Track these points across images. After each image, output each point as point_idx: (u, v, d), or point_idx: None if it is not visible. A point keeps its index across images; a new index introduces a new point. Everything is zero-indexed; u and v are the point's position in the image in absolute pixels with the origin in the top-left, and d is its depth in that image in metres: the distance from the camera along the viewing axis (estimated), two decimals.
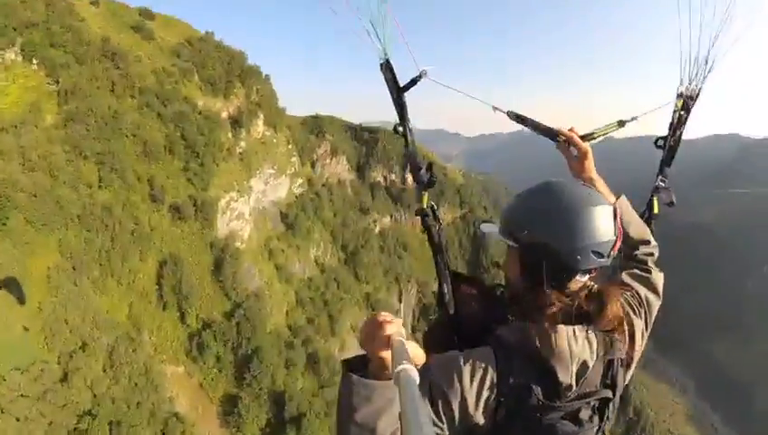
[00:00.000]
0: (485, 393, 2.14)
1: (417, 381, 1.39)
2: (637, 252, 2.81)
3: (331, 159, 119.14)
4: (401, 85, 2.91)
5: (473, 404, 2.12)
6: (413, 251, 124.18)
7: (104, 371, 48.03)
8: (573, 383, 2.20)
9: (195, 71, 76.41)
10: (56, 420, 43.52)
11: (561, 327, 2.18)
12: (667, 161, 3.42)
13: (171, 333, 57.40)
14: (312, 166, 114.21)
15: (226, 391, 57.36)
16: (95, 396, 46.17)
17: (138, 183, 61.06)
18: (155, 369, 52.80)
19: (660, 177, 3.39)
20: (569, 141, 2.89)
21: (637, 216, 2.95)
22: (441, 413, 2.09)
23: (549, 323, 2.19)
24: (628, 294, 2.60)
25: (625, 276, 2.71)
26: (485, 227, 2.65)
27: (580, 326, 2.24)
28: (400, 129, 2.96)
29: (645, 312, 2.63)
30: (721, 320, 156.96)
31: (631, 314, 2.53)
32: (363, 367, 1.86)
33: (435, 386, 2.10)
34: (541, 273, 2.27)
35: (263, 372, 56.70)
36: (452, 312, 2.75)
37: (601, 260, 2.23)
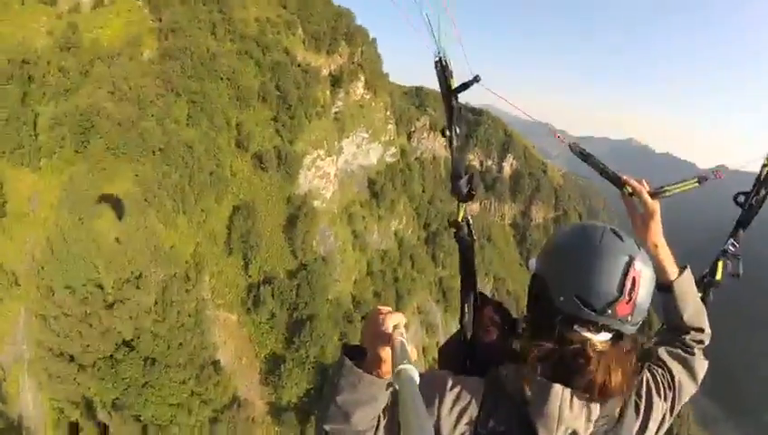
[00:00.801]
0: (462, 428, 1.98)
1: (418, 381, 1.32)
2: (687, 337, 2.40)
3: (429, 133, 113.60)
4: (453, 87, 2.63)
5: (447, 432, 1.98)
6: (496, 244, 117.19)
7: (155, 304, 46.32)
8: None
9: (299, 24, 72.88)
10: (93, 344, 42.53)
11: (557, 387, 1.93)
12: (743, 223, 2.96)
13: (232, 279, 55.05)
14: (409, 138, 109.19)
15: (273, 350, 54.41)
16: (136, 329, 44.50)
17: (226, 126, 58.92)
18: (206, 313, 50.85)
19: (732, 240, 2.92)
20: (636, 194, 2.46)
21: (697, 297, 2.48)
22: None
23: (541, 378, 1.95)
24: (660, 372, 2.26)
25: (662, 352, 2.34)
26: (533, 263, 2.31)
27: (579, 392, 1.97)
28: (447, 133, 2.63)
29: (674, 396, 2.28)
30: (739, 317, 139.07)
31: (654, 395, 2.20)
32: (361, 356, 1.78)
33: None
34: (534, 308, 2.11)
35: (312, 340, 52.74)
36: (470, 334, 2.59)
37: (591, 314, 1.91)
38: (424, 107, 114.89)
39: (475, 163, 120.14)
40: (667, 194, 2.54)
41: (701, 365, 2.38)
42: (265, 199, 59.13)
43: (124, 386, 43.26)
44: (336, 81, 78.14)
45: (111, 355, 43.30)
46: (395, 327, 1.71)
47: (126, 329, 44.00)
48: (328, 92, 75.80)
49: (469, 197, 2.61)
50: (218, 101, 58.00)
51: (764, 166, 2.94)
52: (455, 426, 1.98)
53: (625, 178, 2.50)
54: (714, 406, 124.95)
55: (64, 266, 42.31)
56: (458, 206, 2.66)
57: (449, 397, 2.01)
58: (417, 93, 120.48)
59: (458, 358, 2.53)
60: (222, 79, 59.65)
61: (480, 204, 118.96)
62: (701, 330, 2.43)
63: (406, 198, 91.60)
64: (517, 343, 2.19)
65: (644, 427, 2.15)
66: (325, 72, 77.22)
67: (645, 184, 2.48)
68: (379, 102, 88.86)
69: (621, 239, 1.97)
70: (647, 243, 2.38)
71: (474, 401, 2.01)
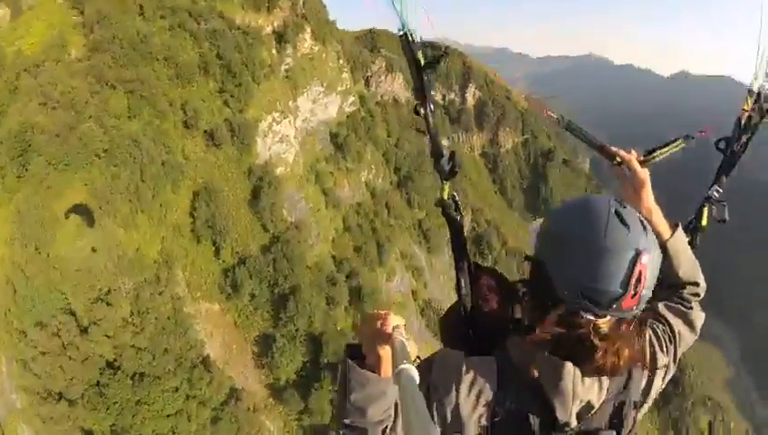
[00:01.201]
0: (480, 409, 2.05)
1: (418, 381, 1.38)
2: (684, 291, 2.50)
3: (387, 76, 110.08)
4: (423, 62, 2.53)
5: (466, 416, 2.04)
6: (469, 176, 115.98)
7: (130, 316, 44.72)
8: (573, 422, 2.06)
9: None
10: (77, 375, 41.03)
11: (569, 365, 2.00)
12: (725, 169, 2.99)
13: (205, 268, 52.91)
14: (367, 83, 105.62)
15: (262, 331, 53.12)
16: (116, 347, 43.07)
17: (170, 109, 55.20)
18: (184, 311, 49.06)
19: (716, 186, 2.97)
20: (625, 164, 2.50)
21: (690, 253, 2.55)
22: (434, 414, 2.04)
23: (552, 357, 2.02)
24: (660, 328, 2.38)
25: (661, 307, 2.44)
26: (533, 227, 2.26)
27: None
28: (421, 110, 2.54)
29: (675, 348, 2.41)
30: None
31: (658, 351, 2.33)
32: (364, 355, 1.86)
33: (433, 387, 2.05)
34: (536, 290, 2.12)
35: (299, 312, 51.50)
36: (469, 306, 2.60)
37: (593, 308, 1.90)
38: (377, 49, 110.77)
39: (438, 98, 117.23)
40: (657, 159, 2.56)
41: (699, 317, 2.46)
42: (225, 177, 56.37)
43: (117, 410, 42.07)
44: (280, 37, 74.02)
45: (97, 382, 41.90)
46: (394, 328, 1.72)
47: (106, 350, 42.58)
48: (274, 51, 72.02)
49: (452, 174, 2.54)
50: (158, 85, 54.38)
51: (744, 111, 2.95)
52: (474, 408, 2.01)
53: (614, 149, 2.51)
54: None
55: (30, 303, 40.37)
56: (442, 184, 2.59)
57: (466, 380, 2.03)
58: (370, 36, 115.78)
59: (460, 329, 2.55)
60: (158, 60, 55.76)
61: (447, 139, 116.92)
62: (696, 284, 2.49)
63: (372, 146, 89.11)
64: (519, 309, 2.35)
65: (650, 382, 2.25)
66: (268, 29, 72.99)
67: (634, 153, 2.51)
68: (329, 52, 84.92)
69: (627, 227, 1.87)
70: (640, 209, 2.30)
71: (489, 381, 2.04)
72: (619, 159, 2.50)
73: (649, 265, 1.86)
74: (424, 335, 78.21)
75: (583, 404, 2.05)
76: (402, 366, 1.41)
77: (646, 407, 2.31)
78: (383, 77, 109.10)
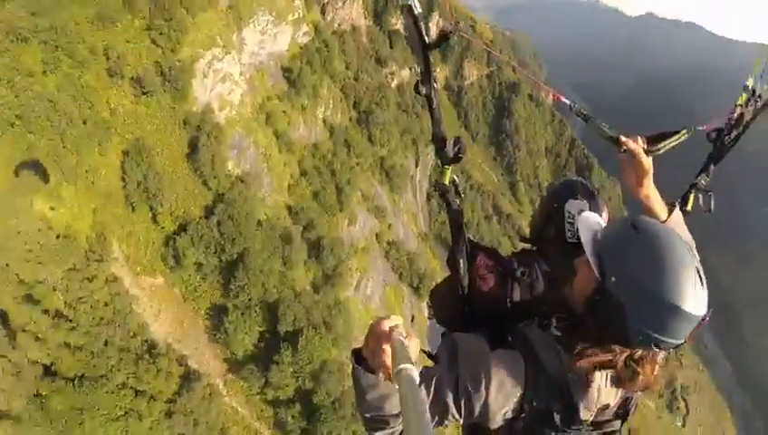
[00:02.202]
0: (508, 405, 2.11)
1: (418, 381, 1.38)
2: None
3: (344, 1, 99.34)
4: (428, 41, 2.41)
5: (494, 411, 2.09)
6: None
7: (64, 307, 38.30)
8: (591, 418, 2.18)
9: None
10: (14, 390, 34.77)
11: (597, 375, 2.11)
12: (715, 158, 3.01)
13: (144, 238, 45.17)
14: (323, 12, 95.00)
15: (213, 302, 46.34)
16: (49, 350, 36.76)
17: (91, 57, 45.46)
18: (125, 291, 42.26)
19: (703, 174, 3.01)
20: (632, 154, 2.48)
21: (687, 233, 2.60)
22: (462, 408, 2.07)
23: (587, 369, 2.09)
24: None
25: None
26: (573, 206, 2.53)
27: (612, 373, 2.16)
28: (423, 90, 2.45)
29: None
30: (728, 236, 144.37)
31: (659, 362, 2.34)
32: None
33: (462, 383, 2.05)
34: (603, 320, 2.06)
35: (250, 281, 44.86)
36: (466, 285, 2.59)
37: (656, 350, 2.03)
38: None
39: (398, 27, 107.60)
40: (661, 151, 2.50)
41: None
42: (157, 130, 47.65)
43: (61, 421, 35.89)
44: None
45: (36, 393, 35.71)
46: (393, 327, 1.72)
47: (40, 355, 36.21)
48: None
49: (456, 160, 2.45)
50: (76, 30, 44.85)
51: (737, 105, 2.90)
52: (502, 405, 2.05)
53: (622, 138, 2.46)
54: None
55: None
56: (443, 168, 2.53)
57: (496, 379, 2.04)
58: None
59: (455, 306, 2.56)
60: (76, 1, 45.82)
61: (410, 70, 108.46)
62: None
63: (329, 80, 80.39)
64: (519, 289, 2.44)
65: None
66: None
67: (640, 142, 2.47)
68: None
69: (704, 286, 1.93)
70: (640, 195, 2.47)
71: (518, 380, 2.06)
72: (625, 148, 2.42)
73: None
74: (390, 278, 73.54)
75: (603, 405, 2.13)
76: (401, 366, 1.39)
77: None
78: (341, 3, 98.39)
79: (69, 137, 41.85)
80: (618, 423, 2.29)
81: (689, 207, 2.96)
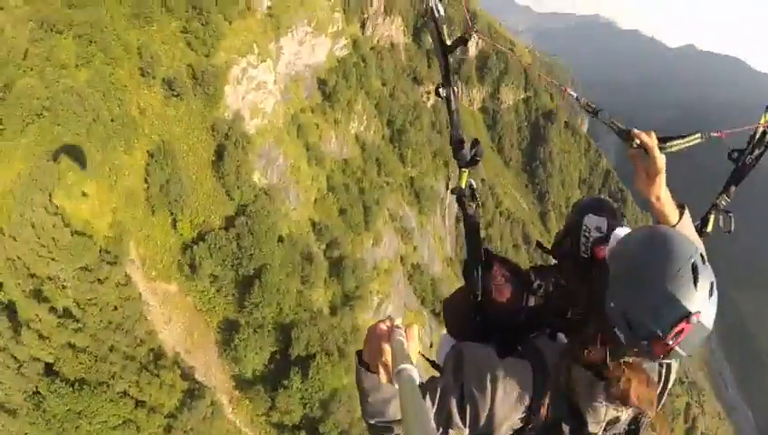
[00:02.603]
0: (516, 415, 2.06)
1: (418, 381, 1.34)
2: None
3: (385, 18, 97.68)
4: (448, 43, 2.47)
5: (500, 420, 2.04)
6: (467, 129, 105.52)
7: (74, 305, 36.63)
8: (600, 432, 2.13)
9: None
10: (14, 384, 33.19)
11: (603, 384, 2.05)
12: (736, 179, 2.96)
13: (162, 243, 43.15)
14: (362, 26, 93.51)
15: (226, 316, 43.87)
16: (53, 349, 34.86)
17: (125, 55, 44.24)
18: (137, 294, 40.29)
19: (724, 195, 2.96)
20: (645, 149, 2.29)
21: (696, 236, 2.46)
22: (467, 416, 2.03)
23: (590, 375, 2.06)
24: None
25: None
26: (591, 221, 2.48)
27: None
28: (443, 92, 2.52)
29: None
30: (761, 273, 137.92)
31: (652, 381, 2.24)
32: None
33: (467, 389, 2.03)
34: (606, 331, 2.00)
35: (265, 300, 42.27)
36: (480, 295, 2.53)
37: (645, 345, 1.92)
38: None
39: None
40: (673, 149, 2.41)
41: None
42: (184, 134, 45.81)
43: (57, 424, 33.91)
44: None
45: (36, 390, 33.77)
46: (393, 328, 1.71)
47: (43, 353, 34.34)
48: None
49: (473, 163, 2.44)
50: (112, 26, 43.55)
51: (760, 124, 2.87)
52: (509, 414, 2.00)
53: (635, 131, 2.31)
54: None
55: None
56: (460, 172, 2.49)
57: (502, 386, 2.00)
58: None
59: (467, 316, 2.48)
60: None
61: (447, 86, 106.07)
62: None
63: (364, 95, 78.32)
64: (534, 302, 2.37)
65: (666, 383, 2.28)
66: None
67: (653, 137, 2.31)
68: None
69: (695, 285, 1.83)
70: (650, 196, 2.31)
71: (526, 389, 2.01)
72: (638, 141, 2.26)
73: (696, 331, 1.81)
74: (411, 302, 70.58)
75: (613, 418, 2.07)
76: (401, 366, 1.37)
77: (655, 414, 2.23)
78: (381, 19, 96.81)
79: (95, 132, 40.38)
80: None
81: (710, 229, 2.88)
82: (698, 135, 2.51)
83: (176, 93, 45.73)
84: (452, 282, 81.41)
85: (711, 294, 1.84)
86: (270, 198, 48.04)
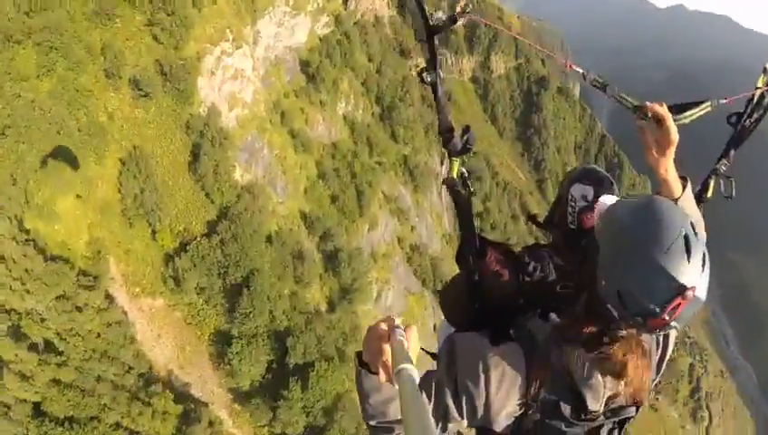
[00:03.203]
0: (512, 400, 2.02)
1: (418, 381, 1.34)
2: None
3: None
4: (432, 24, 2.37)
5: (497, 408, 2.00)
6: (459, 103, 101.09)
7: (56, 337, 33.74)
8: (601, 408, 2.06)
9: None
10: (3, 430, 30.95)
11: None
12: (734, 143, 2.88)
13: (143, 256, 39.66)
14: (345, 2, 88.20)
15: (217, 327, 40.55)
16: (37, 391, 32.08)
17: (88, 57, 40.10)
18: (117, 319, 36.96)
19: (724, 160, 2.87)
20: (660, 120, 2.20)
21: (697, 210, 2.41)
22: (463, 408, 1.99)
23: (585, 352, 1.96)
24: None
25: None
26: (576, 190, 2.46)
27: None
28: (428, 78, 2.36)
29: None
30: (760, 238, 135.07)
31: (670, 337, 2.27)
32: None
33: (461, 381, 1.99)
34: (590, 300, 1.97)
35: (255, 308, 38.83)
36: (476, 281, 2.43)
37: (639, 320, 1.84)
38: None
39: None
40: (687, 120, 2.36)
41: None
42: (156, 137, 41.76)
43: None
44: None
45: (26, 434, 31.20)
46: (393, 327, 1.66)
47: (28, 394, 31.65)
48: None
49: (465, 151, 2.35)
50: (72, 29, 39.53)
51: (758, 89, 2.79)
52: (505, 400, 1.95)
53: (648, 104, 2.25)
54: None
55: None
56: (451, 161, 2.41)
57: (495, 373, 1.95)
58: None
59: (465, 304, 2.41)
60: None
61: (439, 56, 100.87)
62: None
63: (350, 74, 73.96)
64: (529, 284, 2.27)
65: (663, 357, 2.25)
66: None
67: (665, 108, 2.24)
68: None
69: (688, 257, 1.72)
70: (660, 168, 2.23)
71: (519, 372, 1.96)
72: (650, 114, 2.19)
73: (691, 304, 1.74)
74: (412, 285, 67.52)
75: (611, 392, 1.99)
76: (401, 366, 1.35)
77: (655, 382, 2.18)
78: None
79: (63, 145, 36.93)
80: (632, 410, 2.08)
81: (710, 194, 2.83)
82: (708, 103, 2.40)
83: (143, 93, 41.60)
84: (452, 260, 78.03)
85: (704, 267, 1.76)
86: (253, 196, 44.19)
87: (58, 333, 34.25)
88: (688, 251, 1.71)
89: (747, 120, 2.83)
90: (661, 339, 2.26)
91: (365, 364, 1.82)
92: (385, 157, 71.36)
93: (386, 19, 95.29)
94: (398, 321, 1.70)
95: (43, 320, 33.91)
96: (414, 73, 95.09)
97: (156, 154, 41.68)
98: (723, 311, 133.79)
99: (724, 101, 2.51)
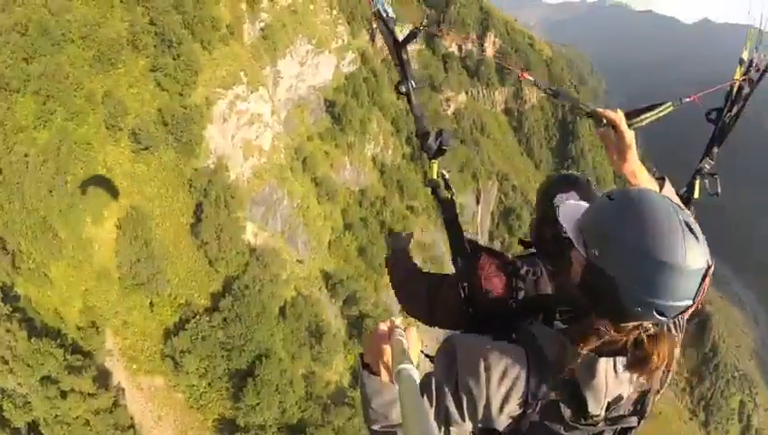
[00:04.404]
0: (512, 400, 1.90)
1: (417, 381, 1.30)
2: None
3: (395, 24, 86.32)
4: (399, 39, 2.42)
5: (497, 408, 1.89)
6: (492, 136, 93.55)
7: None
8: (602, 413, 1.94)
9: None
10: None
11: (602, 360, 1.85)
12: (717, 140, 2.81)
13: (142, 329, 33.88)
14: (372, 38, 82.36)
15: (221, 413, 33.72)
16: None
17: (88, 107, 35.20)
18: (105, 406, 31.02)
19: (707, 158, 2.79)
20: (613, 125, 2.24)
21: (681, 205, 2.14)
22: (465, 411, 1.89)
23: (590, 353, 1.85)
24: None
25: None
26: (560, 200, 2.26)
27: (622, 359, 1.88)
28: (402, 88, 2.45)
29: (681, 335, 2.19)
30: None
31: (675, 341, 2.08)
32: None
33: (461, 381, 1.88)
34: (597, 298, 1.82)
35: (264, 401, 31.59)
36: (468, 286, 2.33)
37: (663, 319, 1.73)
38: None
39: (453, 50, 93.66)
40: (643, 123, 2.34)
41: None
42: (157, 195, 35.83)
43: None
44: None
45: None
46: (393, 328, 1.63)
47: None
48: (243, 6, 50.12)
49: (440, 153, 2.40)
50: (73, 76, 34.87)
51: (736, 80, 2.75)
52: (504, 401, 1.87)
53: (599, 110, 2.28)
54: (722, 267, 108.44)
55: None
56: (430, 164, 2.46)
57: (496, 373, 1.87)
58: None
59: (458, 308, 2.35)
60: (74, 41, 35.65)
61: (467, 94, 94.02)
62: None
63: (378, 113, 67.52)
64: (524, 288, 2.19)
65: (668, 371, 2.08)
66: None
67: (620, 113, 2.27)
68: (319, 1, 62.27)
69: (697, 239, 1.64)
70: (625, 172, 2.26)
71: (520, 374, 1.87)
72: (605, 120, 2.22)
73: (711, 274, 1.68)
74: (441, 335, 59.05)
75: (614, 396, 1.91)
76: (401, 366, 1.31)
77: (661, 394, 2.13)
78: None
79: (56, 204, 32.08)
80: (634, 420, 2.01)
81: (697, 195, 2.69)
82: (669, 103, 2.39)
83: (144, 147, 35.49)
84: None
85: (701, 237, 1.68)
86: (264, 264, 37.00)
87: (44, 420, 29.07)
88: (695, 235, 1.61)
89: (727, 115, 2.71)
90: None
91: (367, 366, 1.72)
92: (417, 201, 64.13)
93: (414, 53, 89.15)
94: (397, 321, 1.64)
95: (26, 404, 28.89)
96: (445, 108, 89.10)
97: (155, 215, 35.73)
98: None
99: (688, 99, 2.45)
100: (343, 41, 65.42)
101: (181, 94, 38.30)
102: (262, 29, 52.99)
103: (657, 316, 1.66)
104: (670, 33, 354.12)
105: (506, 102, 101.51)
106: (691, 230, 1.63)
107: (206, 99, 40.35)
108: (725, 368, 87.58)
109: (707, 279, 1.64)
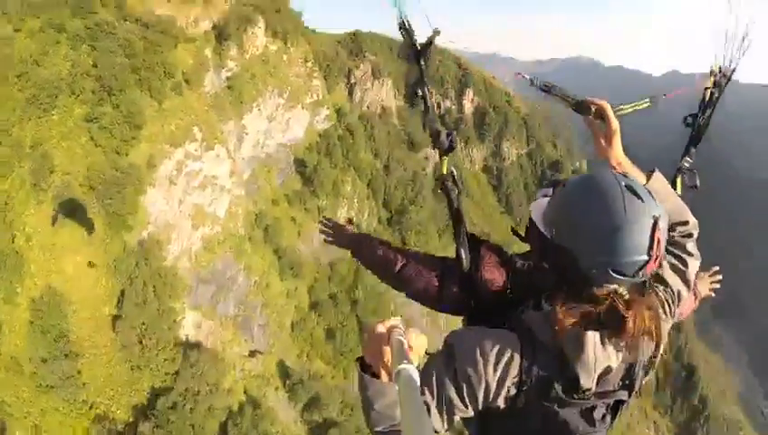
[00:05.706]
0: (508, 381, 1.91)
1: (417, 381, 1.27)
2: (673, 233, 2.22)
3: (373, 82, 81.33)
4: (419, 47, 2.48)
5: (494, 390, 1.90)
6: (471, 194, 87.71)
7: None
8: (593, 386, 1.93)
9: None
10: None
11: (589, 334, 1.86)
12: (694, 141, 2.98)
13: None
14: (350, 93, 76.85)
15: None
16: None
17: (15, 158, 28.63)
18: None
19: (686, 157, 2.94)
20: (601, 114, 2.26)
21: (673, 192, 2.34)
22: (466, 398, 1.89)
23: (574, 328, 1.86)
24: (662, 289, 2.13)
25: (666, 269, 2.18)
26: (535, 206, 2.27)
27: (607, 331, 1.92)
28: (419, 92, 2.50)
29: (676, 309, 2.20)
30: None
31: (662, 316, 2.07)
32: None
33: (459, 368, 1.89)
34: (563, 274, 1.92)
35: None
36: (470, 278, 2.35)
37: (624, 278, 1.78)
38: (363, 53, 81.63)
39: (434, 100, 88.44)
40: (622, 113, 2.40)
41: (695, 267, 2.21)
42: (76, 276, 27.89)
43: None
44: (220, 35, 46.02)
45: None
46: (392, 328, 1.57)
47: None
48: (208, 52, 43.75)
49: (451, 149, 2.42)
50: (9, 117, 28.63)
51: (707, 89, 2.93)
52: (501, 382, 1.88)
53: (588, 99, 2.31)
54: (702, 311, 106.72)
55: None
56: (441, 160, 2.46)
57: (492, 357, 1.88)
58: (353, 39, 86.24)
59: (460, 300, 2.38)
60: (8, 78, 29.33)
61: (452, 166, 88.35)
62: (686, 223, 2.25)
63: (353, 174, 60.84)
64: (520, 281, 2.26)
65: (657, 349, 2.08)
66: (205, 24, 44.90)
67: (606, 102, 2.30)
68: (294, 53, 56.38)
69: (640, 198, 1.74)
70: (611, 160, 2.26)
71: (514, 355, 1.89)
72: (593, 107, 2.23)
73: (663, 228, 1.75)
74: None
75: (603, 368, 1.90)
76: (401, 366, 1.28)
77: (651, 373, 2.15)
78: (370, 84, 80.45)
79: None
80: (624, 393, 2.02)
81: (679, 190, 2.82)
82: (647, 100, 2.52)
83: (66, 213, 27.75)
84: None
85: (651, 194, 1.77)
86: (200, 371, 28.72)
87: None
88: (637, 195, 1.70)
89: (701, 119, 2.91)
90: (670, 297, 2.10)
91: (368, 369, 1.69)
92: None
93: (393, 109, 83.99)
94: (397, 321, 1.59)
95: None
96: (424, 169, 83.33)
97: (73, 301, 27.85)
98: (756, 378, 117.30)
99: (665, 96, 2.60)
100: (318, 96, 59.60)
101: (117, 152, 31.48)
102: (227, 78, 46.71)
103: (616, 275, 1.70)
104: (640, 85, 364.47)
105: (485, 160, 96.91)
106: (633, 191, 1.69)
107: (149, 157, 33.02)
108: (716, 422, 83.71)
109: (657, 232, 1.68)
